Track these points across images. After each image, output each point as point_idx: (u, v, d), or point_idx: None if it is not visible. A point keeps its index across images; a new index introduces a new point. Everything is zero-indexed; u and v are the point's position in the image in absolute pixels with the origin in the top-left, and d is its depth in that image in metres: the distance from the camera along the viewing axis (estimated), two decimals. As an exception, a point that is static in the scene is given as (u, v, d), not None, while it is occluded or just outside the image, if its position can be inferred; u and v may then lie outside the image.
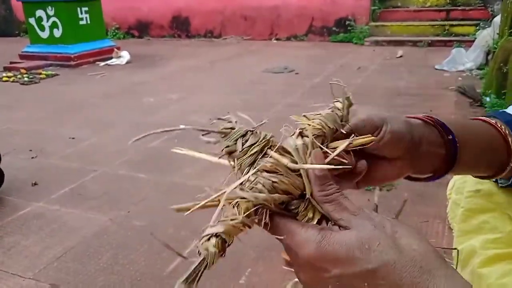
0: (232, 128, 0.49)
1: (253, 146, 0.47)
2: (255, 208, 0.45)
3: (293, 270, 0.48)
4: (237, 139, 0.48)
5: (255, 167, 0.47)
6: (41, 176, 2.78)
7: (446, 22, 8.22)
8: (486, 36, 5.51)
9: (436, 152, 0.56)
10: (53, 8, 6.96)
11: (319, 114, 0.51)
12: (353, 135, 0.50)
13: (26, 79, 5.90)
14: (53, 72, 6.35)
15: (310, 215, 0.47)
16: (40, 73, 6.21)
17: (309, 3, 9.05)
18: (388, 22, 8.69)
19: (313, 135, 0.48)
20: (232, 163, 0.49)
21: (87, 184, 2.67)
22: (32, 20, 7.20)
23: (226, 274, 1.78)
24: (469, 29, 7.88)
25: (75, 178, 2.75)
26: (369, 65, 6.23)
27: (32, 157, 3.12)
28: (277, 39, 9.49)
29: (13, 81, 5.87)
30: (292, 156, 0.47)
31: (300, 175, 0.47)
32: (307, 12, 9.14)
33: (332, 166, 0.46)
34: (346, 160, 0.49)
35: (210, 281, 1.73)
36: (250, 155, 0.47)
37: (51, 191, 2.58)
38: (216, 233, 0.43)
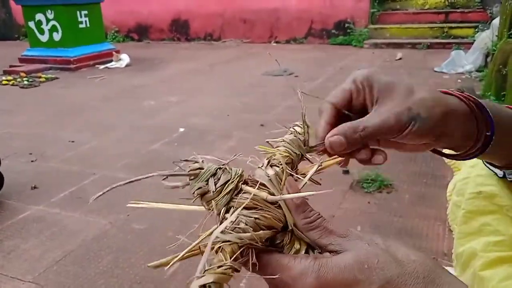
0: (201, 168, 0.46)
1: (227, 184, 0.45)
2: (240, 250, 0.42)
3: None
4: (208, 179, 0.46)
5: (232, 206, 0.45)
6: (41, 180, 2.78)
7: (445, 25, 8.23)
8: (485, 38, 5.51)
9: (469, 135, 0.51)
10: (52, 12, 6.97)
11: (283, 140, 0.50)
12: (321, 159, 0.49)
13: (25, 82, 5.90)
14: (53, 76, 6.35)
15: (297, 246, 0.45)
16: (40, 77, 6.21)
17: (308, 6, 9.07)
18: (387, 24, 8.70)
19: (282, 164, 0.47)
20: (205, 205, 0.47)
21: (86, 188, 2.67)
22: (31, 24, 7.21)
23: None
24: (468, 31, 7.90)
25: (75, 181, 2.74)
26: (369, 67, 6.22)
27: (32, 161, 3.11)
28: (276, 42, 9.50)
29: (12, 85, 5.87)
30: (267, 188, 0.46)
31: (278, 207, 0.45)
32: (306, 15, 9.15)
33: (309, 193, 0.44)
34: (320, 183, 0.49)
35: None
36: (225, 194, 0.45)
37: (51, 195, 2.58)
38: (206, 284, 0.40)
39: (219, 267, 0.41)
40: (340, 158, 0.50)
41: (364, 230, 2.12)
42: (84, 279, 1.81)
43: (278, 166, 0.47)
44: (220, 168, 0.47)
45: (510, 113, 0.55)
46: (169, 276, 1.78)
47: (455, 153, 0.54)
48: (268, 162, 0.48)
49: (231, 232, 0.42)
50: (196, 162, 0.47)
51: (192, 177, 0.46)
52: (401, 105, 0.48)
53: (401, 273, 0.39)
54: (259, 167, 0.48)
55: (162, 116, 4.19)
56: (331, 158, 0.50)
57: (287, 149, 0.49)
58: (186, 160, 0.47)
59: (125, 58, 7.16)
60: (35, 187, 2.67)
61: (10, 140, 3.60)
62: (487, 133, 0.51)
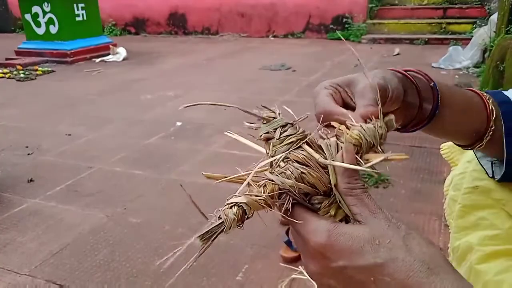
0: (274, 118, 0.52)
1: (290, 137, 0.49)
2: (279, 191, 0.46)
3: (290, 266, 0.47)
4: (276, 128, 0.51)
5: (288, 157, 0.49)
6: (37, 173, 2.77)
7: (443, 20, 8.23)
8: (482, 34, 5.51)
9: (416, 103, 0.57)
10: (49, 4, 6.93)
11: (360, 126, 0.51)
12: (390, 152, 0.51)
13: (22, 75, 5.87)
14: (49, 69, 6.33)
15: (332, 212, 0.48)
16: (36, 70, 6.18)
17: (306, 1, 9.05)
18: (385, 19, 8.69)
19: (349, 142, 0.49)
20: (267, 149, 0.51)
21: (83, 181, 2.66)
22: (28, 16, 7.16)
23: (224, 270, 1.78)
24: (466, 27, 7.90)
25: (72, 174, 2.74)
26: (366, 62, 6.22)
27: (28, 154, 3.10)
28: (274, 36, 9.47)
29: (9, 78, 5.84)
30: (325, 154, 0.49)
31: (328, 172, 0.48)
32: (304, 10, 9.13)
33: (360, 167, 0.46)
34: (378, 170, 0.50)
35: (208, 277, 1.73)
36: (285, 144, 0.49)
37: (47, 188, 2.57)
38: (238, 203, 0.45)
39: (256, 195, 0.46)
40: (406, 157, 0.51)
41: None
42: (80, 272, 1.81)
43: (342, 143, 0.50)
44: (291, 123, 0.51)
45: (454, 87, 0.61)
46: (165, 269, 1.78)
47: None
48: (336, 136, 0.51)
49: (277, 175, 0.47)
50: (273, 112, 0.52)
51: (264, 122, 0.52)
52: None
53: (407, 258, 0.40)
54: (326, 137, 0.51)
55: (159, 110, 4.18)
56: (398, 154, 0.51)
57: (360, 134, 0.50)
58: (266, 107, 0.53)
59: (122, 52, 7.13)
60: (31, 180, 2.67)
61: (6, 133, 3.58)
62: (431, 85, 0.58)
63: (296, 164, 0.48)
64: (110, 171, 2.79)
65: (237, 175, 0.48)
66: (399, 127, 0.58)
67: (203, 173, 0.50)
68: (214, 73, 5.91)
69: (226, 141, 3.22)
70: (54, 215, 2.28)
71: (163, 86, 5.11)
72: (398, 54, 6.77)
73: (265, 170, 0.48)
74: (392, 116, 0.53)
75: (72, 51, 6.91)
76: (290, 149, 0.49)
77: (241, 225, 0.46)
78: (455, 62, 5.63)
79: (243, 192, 0.46)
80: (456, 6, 8.40)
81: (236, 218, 0.45)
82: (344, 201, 0.47)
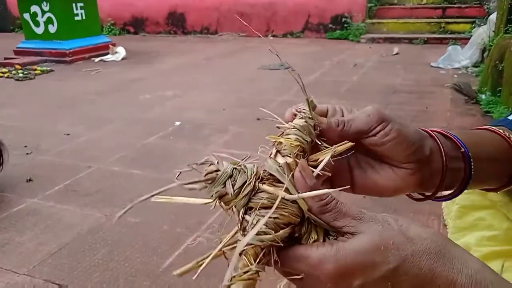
0: (217, 171, 0.46)
1: (245, 186, 0.45)
2: (263, 251, 0.43)
3: None
4: (225, 182, 0.45)
5: (250, 207, 0.45)
6: (35, 173, 2.77)
7: (442, 20, 8.24)
8: (481, 33, 5.52)
9: (451, 166, 0.53)
10: (48, 4, 6.92)
11: (293, 127, 0.49)
12: (334, 146, 0.48)
13: (21, 75, 5.86)
14: (48, 68, 6.32)
15: (314, 236, 0.45)
16: (35, 69, 6.18)
17: (305, 0, 9.04)
18: (384, 19, 8.69)
19: (294, 154, 0.47)
20: (224, 206, 0.47)
21: (82, 181, 2.66)
22: (27, 16, 7.15)
23: (223, 270, 1.77)
24: (465, 26, 7.91)
25: (70, 174, 2.74)
26: (365, 62, 6.23)
27: (27, 153, 3.10)
28: (273, 36, 9.47)
29: (7, 77, 5.83)
30: (282, 182, 0.46)
31: (294, 202, 0.45)
32: (303, 9, 9.13)
33: (326, 191, 0.44)
34: (329, 171, 0.48)
35: (207, 277, 1.72)
36: (243, 196, 0.45)
37: (46, 188, 2.57)
38: None
39: (245, 272, 0.41)
40: (351, 144, 0.49)
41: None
42: (79, 272, 1.81)
43: (289, 156, 0.47)
44: (235, 169, 0.46)
45: (477, 136, 0.57)
46: (164, 269, 1.78)
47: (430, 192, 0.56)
48: (278, 152, 0.48)
49: (254, 235, 0.42)
50: (212, 164, 0.46)
51: (210, 182, 0.45)
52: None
53: (415, 251, 0.41)
54: (269, 157, 0.48)
55: (157, 109, 4.18)
56: (342, 143, 0.49)
57: (298, 137, 0.48)
58: (202, 163, 0.46)
59: (121, 51, 7.12)
60: (30, 180, 2.66)
61: (5, 132, 3.57)
62: (461, 150, 0.53)
63: (262, 212, 0.44)
64: (109, 171, 2.79)
65: (214, 253, 0.45)
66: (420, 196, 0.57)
67: (174, 272, 0.45)
68: (213, 73, 5.91)
69: (224, 140, 3.22)
70: (52, 214, 2.28)
71: (162, 86, 5.10)
72: (397, 53, 6.77)
73: (236, 234, 0.45)
74: (311, 97, 0.50)
75: (71, 50, 6.90)
76: (249, 200, 0.45)
77: None
78: (454, 62, 5.63)
79: (231, 275, 0.42)
80: (455, 5, 8.41)
81: None
82: (323, 221, 0.45)
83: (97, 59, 7.00)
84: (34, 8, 7.02)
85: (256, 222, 0.43)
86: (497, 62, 3.92)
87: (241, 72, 5.87)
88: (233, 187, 0.45)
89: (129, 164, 2.89)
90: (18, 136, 3.48)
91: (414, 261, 0.40)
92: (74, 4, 7.08)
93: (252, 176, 0.46)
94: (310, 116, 0.50)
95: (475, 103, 4.01)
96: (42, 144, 3.28)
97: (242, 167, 0.47)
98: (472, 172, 0.53)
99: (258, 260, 0.42)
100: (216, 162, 0.46)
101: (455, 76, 5.16)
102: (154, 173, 2.73)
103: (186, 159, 2.92)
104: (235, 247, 0.44)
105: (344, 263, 0.41)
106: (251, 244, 0.43)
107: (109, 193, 2.49)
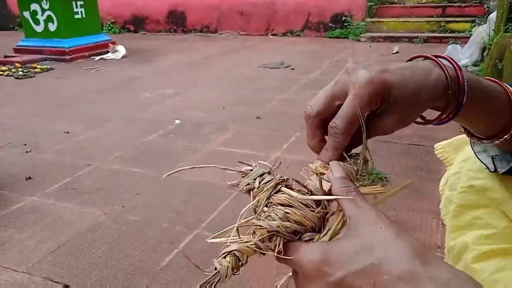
0: (252, 170, 0.55)
1: (268, 183, 0.52)
2: (269, 234, 0.48)
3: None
4: (255, 178, 0.54)
5: (270, 202, 0.51)
6: (35, 171, 2.77)
7: (442, 19, 8.23)
8: (481, 32, 5.51)
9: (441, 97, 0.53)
10: (48, 2, 6.91)
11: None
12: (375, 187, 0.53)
13: (20, 73, 5.86)
14: (48, 66, 6.31)
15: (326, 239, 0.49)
16: (35, 67, 6.17)
17: (305, -1, 9.04)
18: (384, 18, 8.69)
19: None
20: (252, 199, 0.53)
21: (81, 179, 2.66)
22: (26, 14, 7.14)
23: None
24: (464, 25, 7.90)
25: (70, 172, 2.74)
26: (365, 61, 6.22)
27: (26, 151, 3.10)
28: (273, 35, 9.46)
29: (7, 75, 5.83)
30: (308, 192, 0.51)
31: (313, 210, 0.50)
32: (303, 8, 9.12)
33: (335, 197, 0.48)
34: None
35: (206, 274, 1.72)
36: (265, 191, 0.52)
37: (45, 186, 2.57)
38: (231, 251, 0.48)
39: (246, 242, 0.48)
40: (382, 189, 0.53)
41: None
42: (78, 269, 1.81)
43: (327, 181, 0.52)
44: (268, 172, 0.54)
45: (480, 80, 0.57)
46: (163, 267, 1.78)
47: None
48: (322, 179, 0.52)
49: (264, 219, 0.49)
50: (250, 165, 0.56)
51: (243, 175, 0.55)
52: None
53: (402, 252, 0.40)
54: (310, 179, 0.53)
55: (157, 108, 4.18)
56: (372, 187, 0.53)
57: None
58: (243, 163, 0.56)
59: (121, 50, 7.12)
60: (29, 178, 2.67)
61: (4, 130, 3.58)
62: (462, 82, 0.53)
63: (279, 207, 0.50)
64: (108, 169, 2.79)
65: (226, 229, 0.50)
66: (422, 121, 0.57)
67: (207, 240, 0.51)
68: (213, 71, 5.90)
69: (224, 139, 3.22)
70: (52, 212, 2.28)
71: (162, 84, 5.10)
72: (397, 52, 6.77)
73: (251, 219, 0.51)
74: (368, 157, 0.53)
75: (71, 48, 6.89)
76: (270, 194, 0.52)
77: (237, 273, 0.48)
78: (454, 61, 5.62)
79: (234, 241, 0.49)
80: (455, 4, 8.40)
81: (231, 266, 0.47)
82: (338, 202, 0.48)
83: (97, 58, 6.99)
84: (34, 6, 7.01)
85: (268, 210, 0.50)
86: (497, 61, 3.92)
87: (241, 70, 5.86)
88: (259, 183, 0.53)
89: (129, 162, 2.89)
90: (17, 134, 3.48)
91: (399, 262, 0.40)
92: (74, 2, 7.07)
93: (278, 179, 0.53)
94: (358, 164, 0.54)
95: (474, 102, 4.00)
96: (42, 142, 3.28)
97: (272, 172, 0.55)
98: (465, 95, 0.53)
99: (261, 238, 0.48)
100: (254, 165, 0.56)
101: (455, 75, 5.15)
102: (153, 171, 2.73)
103: (186, 157, 2.92)
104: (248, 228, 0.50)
105: (329, 254, 0.43)
106: (260, 226, 0.49)
107: (109, 191, 2.49)
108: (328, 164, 0.52)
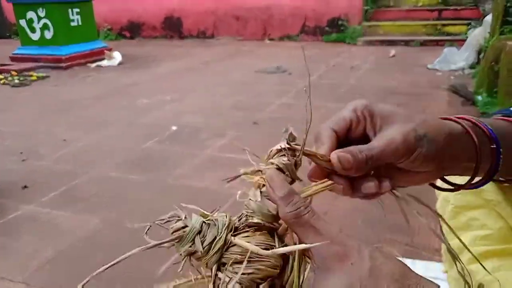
0: (185, 227, 0.43)
1: (215, 242, 0.42)
2: None
3: None
4: (194, 239, 0.42)
5: (223, 263, 0.42)
6: (32, 179, 2.76)
7: (438, 22, 8.26)
8: (477, 35, 5.54)
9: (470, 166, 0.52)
10: (44, 10, 6.91)
11: (273, 164, 0.47)
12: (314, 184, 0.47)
13: (17, 81, 5.85)
14: (44, 74, 6.31)
15: (296, 281, 0.43)
16: (31, 75, 6.16)
17: (302, 3, 9.06)
18: (380, 22, 8.71)
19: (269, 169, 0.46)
20: (196, 263, 0.44)
21: (78, 186, 2.65)
22: (23, 22, 7.14)
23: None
24: (461, 28, 7.93)
25: (67, 180, 2.73)
26: (362, 64, 6.24)
27: (23, 160, 3.09)
28: (270, 39, 9.49)
29: (3, 84, 5.82)
30: (260, 227, 0.44)
31: (274, 247, 0.43)
32: (300, 12, 9.15)
33: (291, 248, 0.41)
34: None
35: (203, 282, 1.72)
36: (214, 253, 0.42)
37: (42, 194, 2.56)
38: None
39: None
40: (330, 182, 0.47)
41: (356, 226, 2.13)
42: (75, 278, 1.80)
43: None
44: (205, 223, 0.43)
45: (502, 125, 0.54)
46: (160, 275, 1.77)
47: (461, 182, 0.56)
48: (259, 191, 0.46)
49: None
50: (179, 219, 0.44)
51: (177, 240, 0.43)
52: (405, 126, 0.47)
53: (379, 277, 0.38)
54: (250, 199, 0.45)
55: (154, 114, 4.17)
56: (320, 182, 0.47)
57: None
58: (168, 220, 0.44)
59: (117, 56, 7.12)
60: (26, 186, 2.65)
61: (1, 138, 3.57)
62: (492, 146, 0.50)
63: (237, 268, 0.41)
64: (106, 176, 2.78)
65: None
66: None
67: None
68: (210, 77, 5.91)
69: (222, 144, 3.22)
70: (49, 221, 2.27)
71: (159, 90, 5.10)
72: (393, 56, 6.79)
73: None
74: (290, 128, 0.49)
75: (67, 56, 6.89)
76: (221, 256, 0.42)
77: None
78: (450, 63, 5.64)
79: None
80: (451, 7, 8.43)
81: None
82: (295, 231, 0.42)
83: (93, 65, 6.99)
84: (30, 14, 7.02)
85: (229, 281, 0.40)
86: (493, 63, 3.93)
87: (238, 76, 5.87)
88: (202, 244, 0.42)
89: (126, 169, 2.88)
90: (13, 142, 3.47)
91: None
92: (70, 10, 7.07)
93: (223, 229, 0.43)
94: (293, 149, 0.48)
95: (471, 104, 4.02)
96: (39, 150, 3.27)
97: (213, 220, 0.44)
98: (501, 161, 0.51)
99: None
100: (184, 216, 0.43)
101: (452, 77, 5.17)
102: (151, 177, 2.73)
103: (184, 163, 2.92)
104: None
105: None
106: None
107: (106, 199, 2.48)
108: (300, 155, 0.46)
